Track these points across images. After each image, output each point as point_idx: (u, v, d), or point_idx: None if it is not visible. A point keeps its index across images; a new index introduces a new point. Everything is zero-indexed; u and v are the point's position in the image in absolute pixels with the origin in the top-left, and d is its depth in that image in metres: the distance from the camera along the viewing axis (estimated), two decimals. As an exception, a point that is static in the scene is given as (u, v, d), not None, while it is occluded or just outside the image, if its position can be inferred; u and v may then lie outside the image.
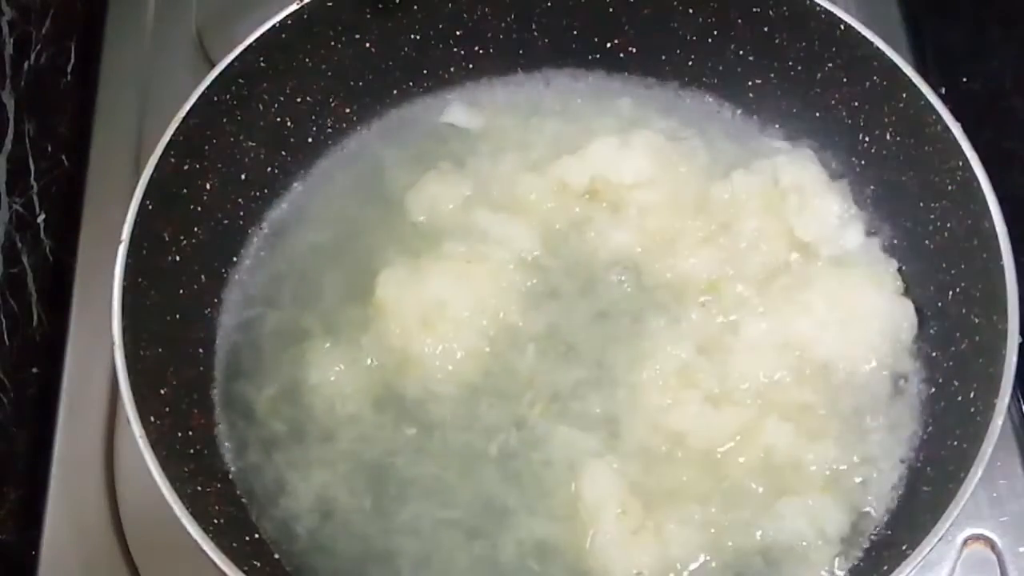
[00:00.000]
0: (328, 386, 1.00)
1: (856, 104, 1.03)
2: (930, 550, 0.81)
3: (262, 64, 1.03)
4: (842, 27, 1.00)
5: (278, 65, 1.04)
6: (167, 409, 0.91)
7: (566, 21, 1.11)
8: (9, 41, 1.12)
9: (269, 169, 1.09)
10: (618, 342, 1.02)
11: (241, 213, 1.07)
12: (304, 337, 1.03)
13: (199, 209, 1.01)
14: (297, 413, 1.00)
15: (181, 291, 1.00)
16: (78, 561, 1.00)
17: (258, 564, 0.88)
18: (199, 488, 0.89)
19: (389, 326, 1.01)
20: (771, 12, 1.03)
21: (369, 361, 1.01)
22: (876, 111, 1.01)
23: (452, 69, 1.14)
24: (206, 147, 1.01)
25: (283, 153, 1.10)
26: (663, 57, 1.12)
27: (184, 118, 0.97)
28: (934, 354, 0.98)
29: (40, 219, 1.15)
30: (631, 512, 0.93)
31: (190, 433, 0.95)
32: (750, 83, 1.11)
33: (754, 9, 1.04)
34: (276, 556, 0.94)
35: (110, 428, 1.05)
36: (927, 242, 0.99)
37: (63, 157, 1.21)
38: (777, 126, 1.11)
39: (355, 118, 1.13)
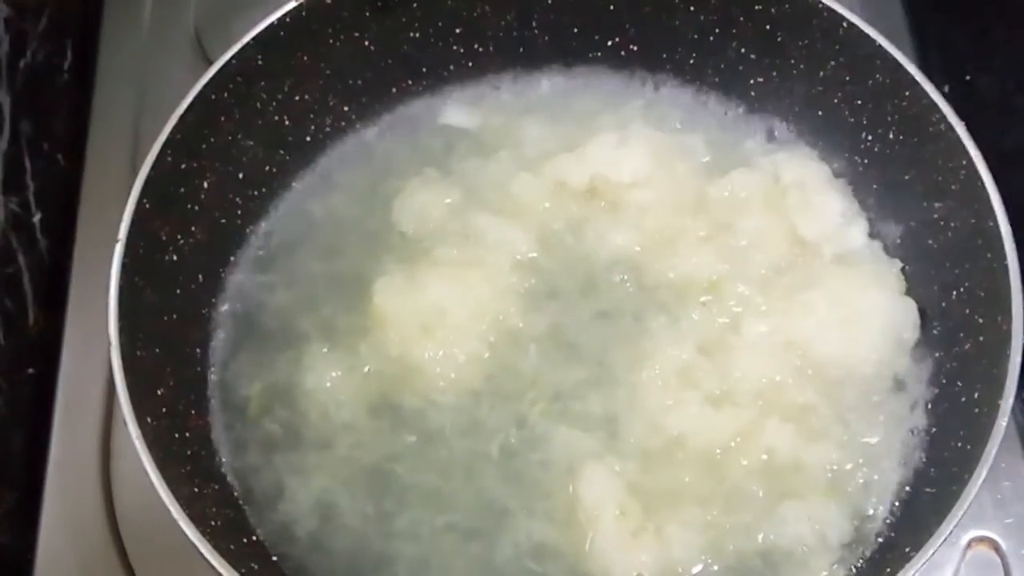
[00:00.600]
0: (323, 392, 0.99)
1: (859, 103, 1.03)
2: (934, 552, 0.80)
3: (260, 62, 1.02)
4: (845, 25, 0.99)
5: (276, 63, 1.03)
6: (164, 410, 0.91)
7: (567, 19, 1.11)
8: (5, 39, 1.12)
9: (267, 168, 1.08)
10: (619, 342, 1.01)
11: (239, 212, 1.07)
12: (302, 341, 1.02)
13: (196, 208, 1.01)
14: (293, 417, 0.99)
15: (178, 291, 0.99)
16: (74, 563, 1.00)
17: (256, 567, 0.87)
18: (196, 490, 0.89)
19: (388, 335, 1.01)
20: (773, 10, 1.03)
21: (367, 369, 1.00)
22: (879, 110, 1.01)
23: (452, 67, 1.14)
24: (203, 146, 1.00)
25: (281, 152, 1.09)
26: (664, 55, 1.12)
27: (181, 116, 0.96)
28: (937, 355, 0.98)
29: (36, 218, 1.15)
30: (630, 513, 0.92)
31: (187, 434, 0.94)
32: (752, 81, 1.10)
33: (756, 7, 1.04)
34: (274, 558, 0.93)
35: (106, 429, 1.04)
36: (930, 242, 0.99)
37: (59, 156, 1.21)
38: (779, 125, 1.11)
39: (354, 117, 1.13)
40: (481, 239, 1.06)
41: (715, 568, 0.92)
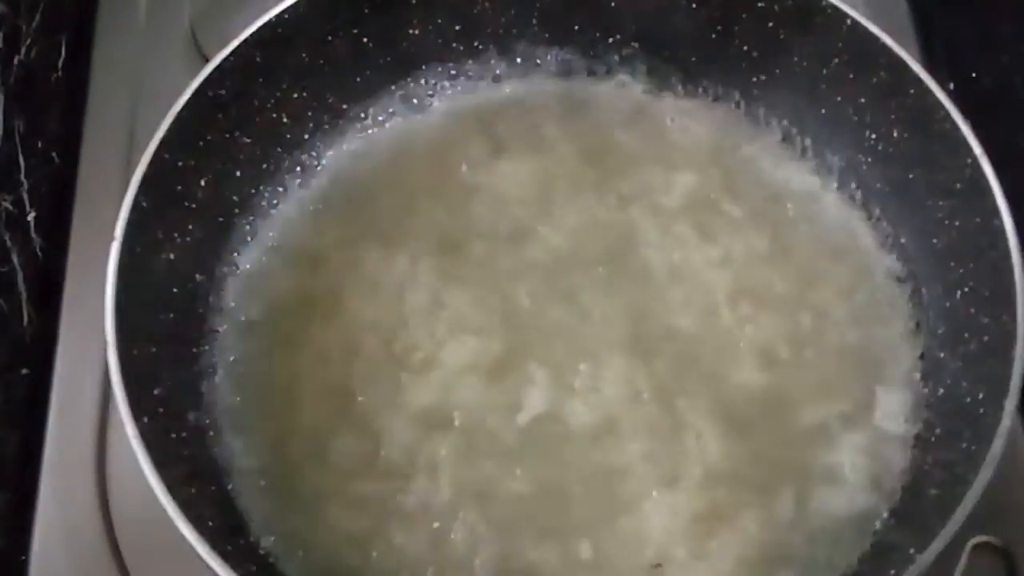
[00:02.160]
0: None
1: (863, 101, 1.02)
2: (937, 553, 0.80)
3: (257, 59, 1.01)
4: (848, 22, 0.99)
5: (274, 60, 1.02)
6: (161, 410, 0.90)
7: (568, 17, 1.10)
8: (-2, 35, 1.11)
9: (264, 166, 1.07)
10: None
11: (236, 211, 1.06)
12: (300, 344, 1.01)
13: (193, 206, 1.00)
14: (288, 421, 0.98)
15: (175, 290, 0.98)
16: (69, 566, 0.98)
17: (254, 568, 0.87)
18: (194, 491, 0.87)
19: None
20: (776, 7, 1.02)
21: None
22: (883, 108, 1.00)
23: (451, 64, 1.13)
24: (200, 143, 0.99)
25: (279, 150, 1.08)
26: (666, 53, 1.11)
27: (178, 114, 0.95)
28: (941, 354, 0.97)
29: (30, 217, 1.14)
30: None
31: (184, 435, 0.93)
32: (754, 79, 1.09)
33: (759, 4, 1.03)
34: (272, 560, 0.92)
35: (102, 430, 1.03)
36: (935, 241, 0.98)
37: (54, 154, 1.19)
38: (781, 123, 1.10)
39: (352, 114, 1.12)
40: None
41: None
